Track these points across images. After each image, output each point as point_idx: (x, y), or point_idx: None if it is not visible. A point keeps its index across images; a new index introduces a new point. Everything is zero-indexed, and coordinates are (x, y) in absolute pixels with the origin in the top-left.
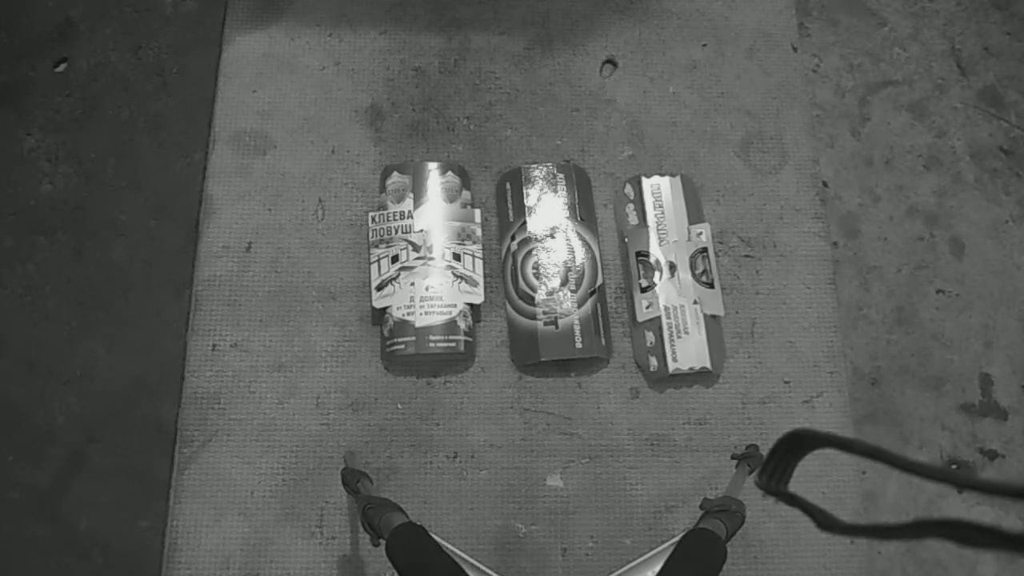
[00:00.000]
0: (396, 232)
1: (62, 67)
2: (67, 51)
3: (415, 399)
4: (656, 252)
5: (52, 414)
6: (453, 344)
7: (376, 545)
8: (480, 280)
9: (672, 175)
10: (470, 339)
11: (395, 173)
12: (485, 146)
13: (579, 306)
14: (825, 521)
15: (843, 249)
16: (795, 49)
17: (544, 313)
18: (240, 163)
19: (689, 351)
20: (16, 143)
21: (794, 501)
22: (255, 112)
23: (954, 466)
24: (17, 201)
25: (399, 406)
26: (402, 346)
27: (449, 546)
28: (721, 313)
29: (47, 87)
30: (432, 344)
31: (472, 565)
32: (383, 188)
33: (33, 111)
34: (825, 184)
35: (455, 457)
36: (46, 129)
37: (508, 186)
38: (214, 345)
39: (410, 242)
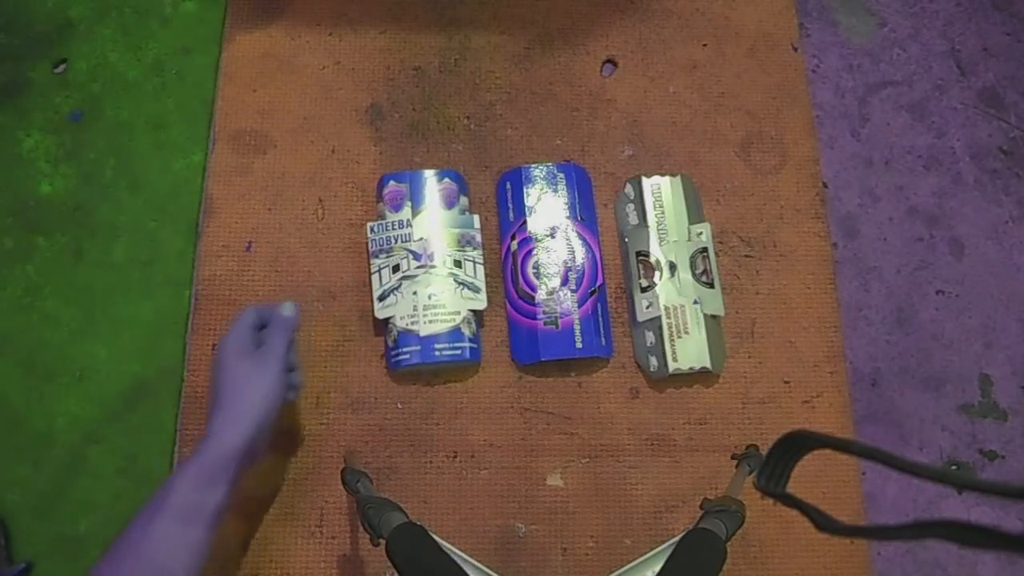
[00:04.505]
0: (396, 241)
1: (62, 67)
2: (67, 51)
3: (415, 399)
4: (656, 252)
5: (51, 415)
6: (459, 351)
7: (376, 545)
8: (482, 286)
9: (672, 175)
10: (475, 345)
11: (392, 182)
12: (485, 146)
13: (579, 306)
14: (824, 522)
15: (843, 249)
16: (795, 49)
17: (544, 313)
18: (240, 163)
19: (689, 351)
20: (15, 143)
21: (792, 502)
22: (255, 112)
23: (954, 467)
24: (16, 202)
25: (399, 406)
26: (408, 356)
27: (449, 546)
28: (721, 313)
29: (47, 87)
30: (438, 352)
31: (472, 565)
32: (380, 198)
33: (33, 111)
34: (825, 184)
35: (455, 457)
36: (46, 129)
37: (508, 185)
38: (214, 345)
39: (410, 251)
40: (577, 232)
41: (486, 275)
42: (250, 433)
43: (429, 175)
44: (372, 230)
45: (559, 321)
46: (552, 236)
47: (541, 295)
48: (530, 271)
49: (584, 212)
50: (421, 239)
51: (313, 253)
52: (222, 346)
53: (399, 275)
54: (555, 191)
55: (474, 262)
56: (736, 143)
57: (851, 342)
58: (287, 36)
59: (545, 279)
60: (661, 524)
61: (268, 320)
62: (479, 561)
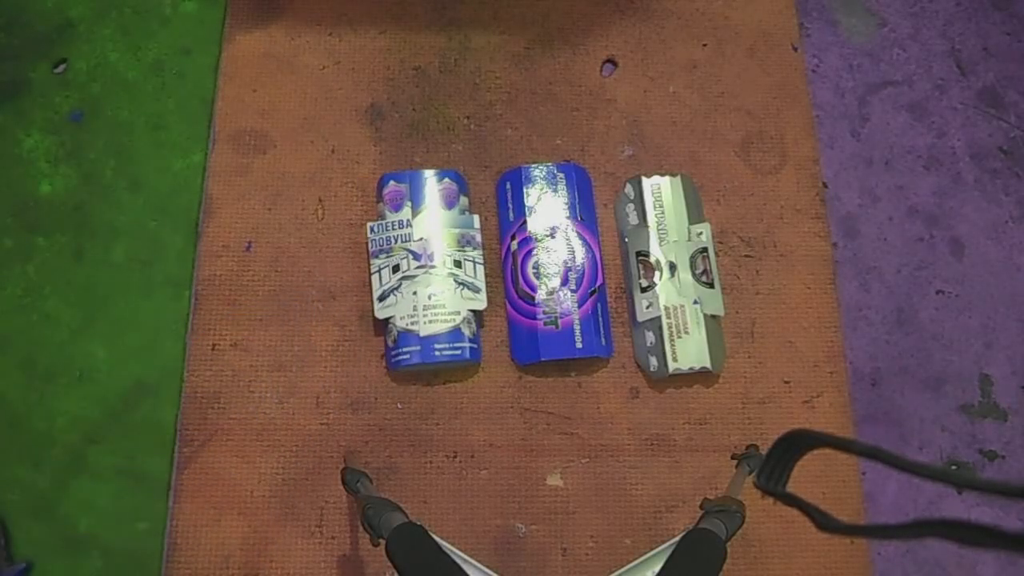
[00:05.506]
0: (396, 241)
1: (62, 67)
2: (67, 51)
3: (415, 399)
4: (656, 252)
5: (51, 415)
6: (459, 351)
7: (376, 545)
8: (482, 286)
9: (672, 175)
10: (475, 345)
11: (391, 182)
12: (485, 145)
13: (579, 306)
14: (824, 521)
15: (843, 249)
16: (795, 49)
17: (544, 313)
18: (240, 163)
19: (689, 351)
20: (16, 143)
21: (793, 501)
22: (255, 111)
23: (954, 467)
24: (16, 202)
25: (399, 406)
26: (408, 356)
27: (449, 546)
28: (721, 313)
29: (47, 87)
30: (438, 352)
31: (472, 565)
32: (380, 198)
33: (33, 111)
34: (825, 184)
35: (455, 457)
36: (46, 129)
37: (508, 186)
38: (214, 345)
39: (410, 251)
40: (577, 232)
41: (486, 275)
42: None
43: (429, 175)
44: (372, 230)
45: (559, 321)
46: (552, 236)
47: (541, 295)
48: (530, 271)
49: (584, 212)
50: (421, 239)
51: (313, 253)
52: None
53: (399, 275)
54: (555, 191)
55: (474, 262)
56: (736, 143)
57: (851, 342)
58: (287, 36)
59: (545, 279)
60: (661, 524)
61: None
62: (479, 561)
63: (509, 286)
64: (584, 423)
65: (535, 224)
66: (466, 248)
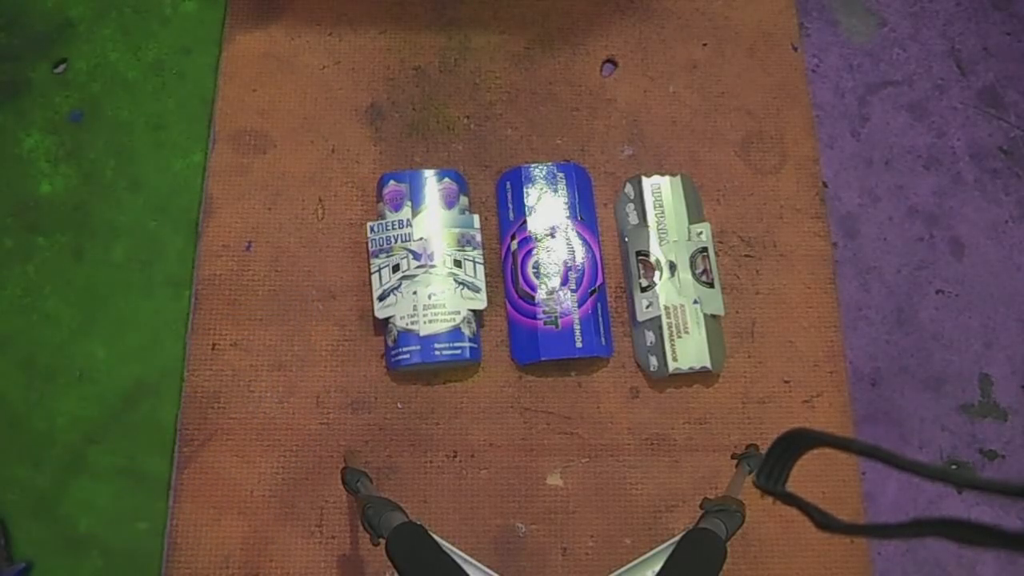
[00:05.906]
0: (396, 241)
1: (62, 67)
2: (67, 51)
3: (415, 399)
4: (656, 252)
5: (51, 415)
6: (459, 351)
7: (376, 544)
8: (482, 286)
9: (672, 175)
10: (475, 345)
11: (392, 181)
12: (485, 145)
13: (579, 306)
14: (823, 520)
15: (843, 249)
16: (795, 49)
17: (544, 313)
18: (240, 162)
19: (689, 351)
20: (16, 143)
21: (792, 500)
22: (255, 111)
23: (953, 466)
24: (16, 202)
25: (399, 406)
26: (408, 355)
27: (449, 545)
28: (721, 313)
29: (47, 87)
30: (438, 352)
31: (472, 564)
32: (380, 197)
33: (33, 111)
34: (825, 184)
35: (455, 456)
36: (46, 129)
37: (508, 185)
38: (214, 344)
39: (410, 251)
40: (577, 232)
41: (486, 275)
42: None
43: (429, 175)
44: (372, 230)
45: (559, 321)
46: (552, 236)
47: (541, 295)
48: (530, 271)
49: (584, 212)
50: (421, 239)
51: (313, 253)
52: None
53: (399, 275)
54: (555, 191)
55: (474, 262)
56: (736, 143)
57: (851, 342)
58: (287, 36)
59: (545, 279)
60: (661, 524)
61: None
62: (479, 561)
63: (509, 286)
64: (584, 423)
65: (535, 224)
66: (466, 248)
